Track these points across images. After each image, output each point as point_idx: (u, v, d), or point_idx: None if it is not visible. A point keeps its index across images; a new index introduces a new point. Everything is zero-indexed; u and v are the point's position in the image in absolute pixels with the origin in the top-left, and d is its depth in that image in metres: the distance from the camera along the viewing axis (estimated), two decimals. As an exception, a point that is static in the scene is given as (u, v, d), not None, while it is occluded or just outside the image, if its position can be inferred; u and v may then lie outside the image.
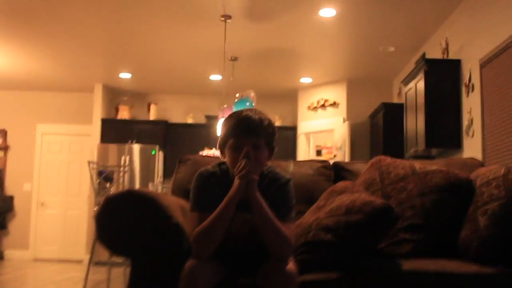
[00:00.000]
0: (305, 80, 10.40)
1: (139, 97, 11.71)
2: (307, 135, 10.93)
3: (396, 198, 2.86)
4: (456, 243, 2.69)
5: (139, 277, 2.45)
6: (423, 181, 2.86)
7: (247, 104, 7.57)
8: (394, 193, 2.90)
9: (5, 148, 11.73)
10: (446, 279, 2.39)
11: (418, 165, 3.01)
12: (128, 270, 2.55)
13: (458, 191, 2.78)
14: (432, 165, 3.02)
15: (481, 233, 2.53)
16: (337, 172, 3.42)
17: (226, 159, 2.49)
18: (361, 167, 3.38)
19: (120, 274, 7.62)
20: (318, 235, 2.52)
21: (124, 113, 11.38)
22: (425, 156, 7.33)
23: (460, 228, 2.70)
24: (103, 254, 3.41)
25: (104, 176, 6.28)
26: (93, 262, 5.89)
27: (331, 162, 3.53)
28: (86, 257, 10.30)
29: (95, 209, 5.70)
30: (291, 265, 2.27)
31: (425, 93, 6.81)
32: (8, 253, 11.45)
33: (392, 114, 8.74)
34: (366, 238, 2.50)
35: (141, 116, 11.58)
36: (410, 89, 7.60)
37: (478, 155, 6.02)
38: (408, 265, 2.47)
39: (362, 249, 2.53)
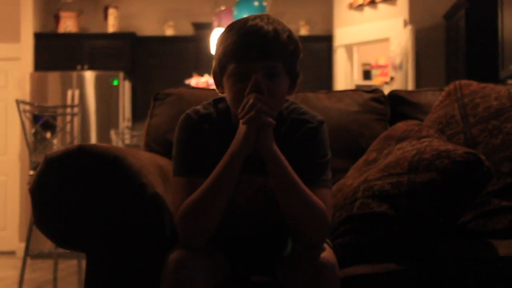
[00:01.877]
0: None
1: (91, -1, 11.69)
2: (349, 48, 10.89)
3: (487, 144, 2.86)
4: None
5: (99, 277, 2.47)
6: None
7: (256, 4, 7.55)
8: (484, 137, 2.90)
9: None
10: None
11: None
12: (84, 264, 2.56)
13: None
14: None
15: None
16: (395, 106, 3.43)
17: (226, 94, 2.45)
18: (432, 97, 3.39)
19: (72, 270, 7.73)
20: (368, 205, 2.53)
21: (68, 24, 11.29)
22: None
23: None
24: (45, 241, 3.44)
25: (41, 122, 6.30)
26: (31, 254, 5.96)
27: (386, 90, 3.50)
28: (20, 247, 10.40)
29: (30, 174, 5.74)
30: (327, 253, 2.24)
31: None
32: None
33: (480, 10, 8.63)
34: (441, 208, 2.48)
35: (95, 28, 11.55)
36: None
37: None
38: (506, 247, 2.48)
39: (435, 226, 2.51)
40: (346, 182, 2.77)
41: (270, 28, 2.35)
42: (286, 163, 2.27)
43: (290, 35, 2.41)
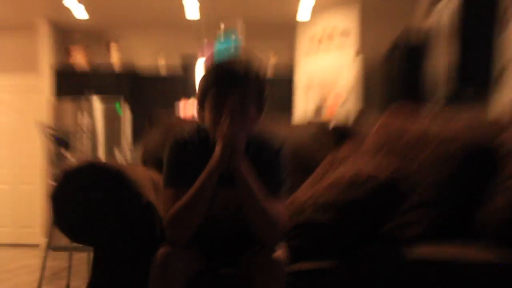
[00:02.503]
0: (306, 1, 10.11)
1: (96, 35, 11.45)
2: (309, 81, 10.69)
3: (406, 169, 2.91)
4: (474, 224, 2.78)
5: (103, 267, 2.57)
6: (437, 149, 2.94)
7: (233, 38, 7.55)
8: (405, 163, 2.96)
9: None
10: (461, 268, 2.49)
11: (434, 127, 3.08)
12: (92, 255, 2.65)
13: (479, 163, 2.87)
14: (452, 125, 3.10)
15: (503, 212, 2.62)
16: (338, 136, 3.51)
17: (206, 121, 2.49)
18: (368, 128, 3.44)
19: (83, 260, 7.80)
20: (314, 216, 2.59)
21: (77, 57, 11.11)
22: (456, 100, 7.06)
23: (479, 205, 2.79)
24: (63, 237, 3.54)
25: (58, 140, 6.32)
26: (51, 247, 6.01)
27: (333, 120, 3.55)
28: (43, 241, 10.29)
29: (51, 183, 5.78)
30: (279, 252, 2.33)
31: (461, 16, 6.58)
32: None
33: (416, 45, 8.45)
34: (370, 219, 2.57)
35: (100, 59, 11.29)
36: (441, 12, 7.32)
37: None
38: (416, 251, 2.55)
39: (365, 233, 2.61)
40: (298, 196, 2.82)
41: (242, 67, 2.45)
42: (252, 180, 2.35)
43: (259, 73, 2.50)
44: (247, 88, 2.44)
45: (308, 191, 2.83)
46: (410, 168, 2.96)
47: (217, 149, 2.35)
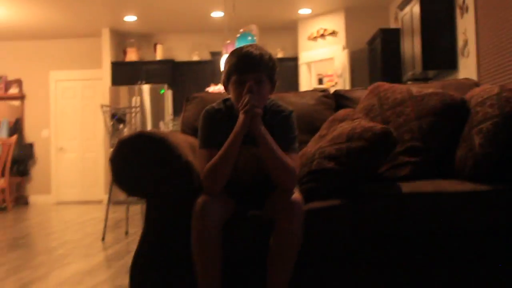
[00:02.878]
0: (304, 11, 10.24)
1: (145, 38, 11.60)
2: (309, 64, 10.83)
3: (394, 122, 2.85)
4: (452, 164, 2.69)
5: (154, 215, 2.48)
6: (419, 105, 2.84)
7: (249, 38, 7.52)
8: (393, 117, 2.89)
9: (22, 97, 11.74)
10: (444, 198, 2.39)
11: (414, 89, 2.99)
12: (144, 207, 2.56)
13: (454, 112, 2.77)
14: (429, 88, 3.00)
15: (475, 152, 2.52)
16: (337, 100, 3.39)
17: (231, 95, 2.47)
18: (360, 94, 3.34)
19: (137, 211, 7.74)
20: (322, 163, 2.50)
21: (132, 55, 11.29)
22: (422, 79, 7.33)
23: (456, 148, 2.70)
24: (121, 193, 3.47)
25: (116, 118, 6.26)
26: (112, 202, 5.95)
27: (332, 90, 3.50)
28: (105, 197, 10.54)
29: (110, 150, 5.71)
30: (296, 195, 2.27)
31: (420, 16, 6.78)
32: (32, 198, 11.61)
33: (389, 39, 8.64)
34: (367, 163, 2.48)
35: (149, 57, 11.48)
36: (406, 14, 7.52)
37: (473, 76, 6.01)
38: (407, 187, 2.47)
39: (364, 174, 2.52)
40: (307, 149, 2.75)
41: (257, 52, 2.41)
42: (269, 138, 2.32)
43: (270, 56, 2.46)
44: (261, 69, 2.41)
45: (315, 145, 2.74)
46: (398, 121, 2.88)
47: (240, 117, 2.34)
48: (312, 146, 2.75)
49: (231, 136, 2.33)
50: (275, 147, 2.31)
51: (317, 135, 2.89)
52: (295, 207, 2.22)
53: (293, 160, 2.35)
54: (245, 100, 2.32)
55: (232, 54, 2.47)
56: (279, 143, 2.34)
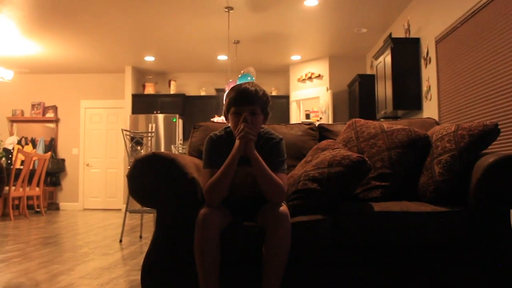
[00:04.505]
0: (295, 57, 10.30)
1: (161, 75, 11.63)
2: (298, 102, 10.84)
3: (368, 152, 2.84)
4: (416, 188, 2.68)
5: (164, 223, 2.45)
6: (389, 138, 2.83)
7: (248, 78, 7.53)
8: (367, 148, 2.88)
9: (56, 121, 11.76)
10: (409, 216, 2.38)
11: (386, 124, 2.99)
12: (156, 216, 2.53)
13: (418, 146, 2.76)
14: (397, 125, 3.00)
15: (436, 179, 2.52)
16: (321, 132, 3.37)
17: (230, 124, 2.47)
18: (340, 128, 3.33)
19: (150, 219, 7.67)
20: (306, 184, 2.49)
21: (149, 89, 11.30)
22: (392, 117, 7.34)
23: (419, 175, 2.68)
24: (137, 203, 3.44)
25: (135, 141, 6.24)
26: (129, 210, 5.91)
27: (317, 124, 3.49)
28: (123, 206, 10.55)
29: (129, 167, 5.69)
30: (284, 207, 2.25)
31: (392, 65, 6.81)
32: (62, 204, 11.62)
33: (366, 83, 8.70)
34: (345, 185, 2.46)
35: (163, 91, 11.50)
36: (380, 62, 7.55)
37: (435, 115, 6.04)
38: (378, 207, 2.45)
39: (342, 195, 2.50)
40: (295, 172, 2.72)
41: (253, 89, 2.42)
42: (260, 160, 2.32)
43: (264, 92, 2.46)
44: (255, 103, 2.42)
45: (302, 169, 2.71)
46: (371, 151, 2.86)
47: (237, 142, 2.35)
48: (299, 169, 2.73)
49: (229, 157, 2.33)
50: (265, 167, 2.30)
51: (303, 161, 2.87)
52: (282, 218, 2.19)
53: (281, 179, 2.34)
54: (240, 128, 2.32)
55: (232, 89, 2.47)
56: (270, 165, 2.33)
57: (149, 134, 6.46)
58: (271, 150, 2.44)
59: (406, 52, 6.80)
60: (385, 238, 2.38)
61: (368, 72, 9.66)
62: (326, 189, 2.45)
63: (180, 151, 7.86)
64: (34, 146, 11.46)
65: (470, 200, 2.39)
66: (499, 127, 2.55)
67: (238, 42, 8.97)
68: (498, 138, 4.13)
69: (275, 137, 2.51)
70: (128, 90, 11.13)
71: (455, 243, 2.39)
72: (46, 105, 11.82)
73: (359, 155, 2.50)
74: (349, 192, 2.57)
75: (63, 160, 11.63)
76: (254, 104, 2.40)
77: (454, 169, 2.48)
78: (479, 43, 4.97)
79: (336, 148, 2.78)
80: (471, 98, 5.15)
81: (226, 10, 7.28)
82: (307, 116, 10.59)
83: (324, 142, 2.95)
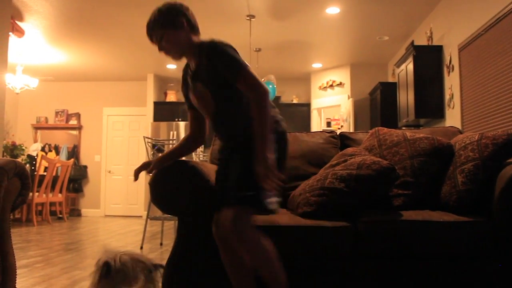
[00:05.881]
0: (316, 65, 10.28)
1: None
2: (319, 110, 10.82)
3: (390, 160, 2.82)
4: (438, 197, 2.65)
5: (184, 230, 2.46)
6: (412, 146, 2.81)
7: (270, 86, 7.54)
8: (389, 156, 2.86)
9: (79, 128, 11.90)
10: (431, 226, 2.35)
11: (408, 133, 2.97)
12: (177, 223, 2.54)
13: (441, 154, 2.73)
14: (420, 133, 2.97)
15: (459, 188, 2.50)
16: (342, 140, 3.36)
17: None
18: (362, 136, 3.32)
19: (171, 226, 7.69)
20: (333, 183, 2.50)
21: (171, 97, 11.36)
22: (414, 125, 7.28)
23: (442, 184, 2.66)
24: (158, 210, 3.44)
25: (156, 148, 6.28)
26: (150, 217, 5.94)
27: (338, 132, 3.47)
28: (144, 213, 10.62)
29: (150, 175, 5.73)
30: (227, 214, 2.05)
31: (414, 73, 6.76)
32: (84, 211, 11.72)
33: (387, 91, 8.63)
34: (371, 190, 2.46)
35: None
36: (401, 70, 7.51)
37: (458, 124, 5.97)
38: (400, 215, 2.43)
39: (366, 201, 2.50)
40: (320, 172, 2.72)
41: (151, 18, 2.24)
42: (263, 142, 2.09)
43: (156, 12, 2.25)
44: (154, 28, 2.24)
45: (327, 170, 2.72)
46: (394, 160, 2.85)
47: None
48: (323, 171, 2.73)
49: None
50: (265, 135, 2.06)
51: (328, 165, 2.84)
52: (241, 238, 2.03)
53: (247, 80, 2.11)
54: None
55: None
56: (230, 76, 2.13)
57: (171, 142, 6.50)
58: (213, 61, 2.17)
59: (428, 60, 6.76)
60: (407, 247, 2.36)
61: (390, 80, 9.61)
62: (352, 191, 2.46)
63: (201, 158, 7.88)
64: (57, 152, 11.61)
65: (494, 210, 2.36)
66: (524, 136, 2.52)
67: (259, 50, 9.01)
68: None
69: (205, 43, 2.25)
70: (150, 98, 11.22)
71: (479, 254, 2.35)
72: (70, 112, 11.97)
73: (389, 162, 2.50)
74: (374, 197, 2.56)
75: (85, 167, 11.76)
76: (152, 31, 2.24)
77: (477, 178, 2.45)
78: (503, 51, 4.92)
79: (364, 155, 2.77)
80: (495, 107, 5.09)
81: (248, 18, 7.32)
82: (328, 124, 10.57)
83: (350, 149, 2.94)
